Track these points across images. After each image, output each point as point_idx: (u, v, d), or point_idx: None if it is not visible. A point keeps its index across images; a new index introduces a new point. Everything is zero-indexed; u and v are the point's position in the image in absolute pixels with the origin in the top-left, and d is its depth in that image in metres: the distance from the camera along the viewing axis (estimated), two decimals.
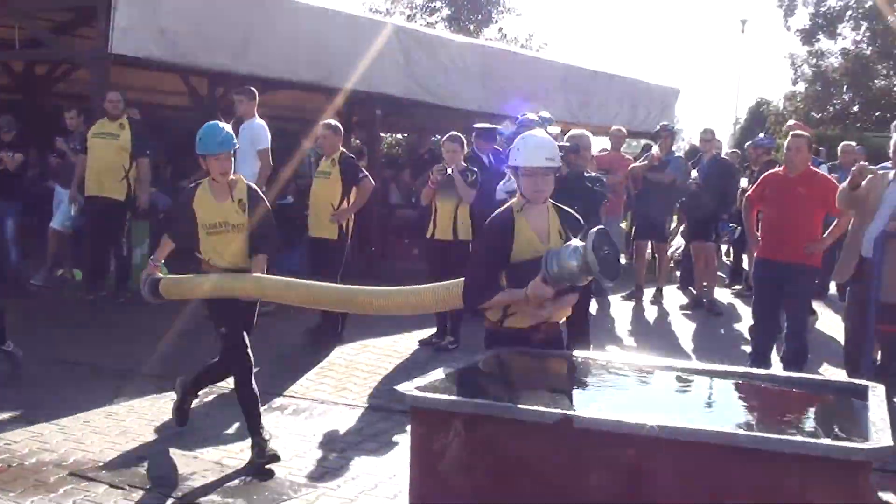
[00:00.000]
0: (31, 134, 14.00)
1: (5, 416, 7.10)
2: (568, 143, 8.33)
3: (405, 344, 10.16)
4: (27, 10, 13.08)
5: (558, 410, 3.81)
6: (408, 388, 4.07)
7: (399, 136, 25.75)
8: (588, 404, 4.45)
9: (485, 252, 5.25)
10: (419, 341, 10.19)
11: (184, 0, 11.96)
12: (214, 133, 6.38)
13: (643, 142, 21.30)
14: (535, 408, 3.87)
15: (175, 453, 6.36)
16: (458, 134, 10.30)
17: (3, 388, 7.81)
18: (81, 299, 11.51)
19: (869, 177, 8.11)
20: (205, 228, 6.44)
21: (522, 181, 5.07)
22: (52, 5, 13.65)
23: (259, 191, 6.69)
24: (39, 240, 12.84)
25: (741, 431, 3.83)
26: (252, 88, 11.44)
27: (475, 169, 10.17)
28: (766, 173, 9.68)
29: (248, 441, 6.49)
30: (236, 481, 5.96)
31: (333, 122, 10.41)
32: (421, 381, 4.21)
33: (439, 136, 14.37)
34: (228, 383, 8.19)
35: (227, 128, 6.51)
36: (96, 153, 11.53)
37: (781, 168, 9.32)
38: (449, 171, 9.88)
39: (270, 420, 7.32)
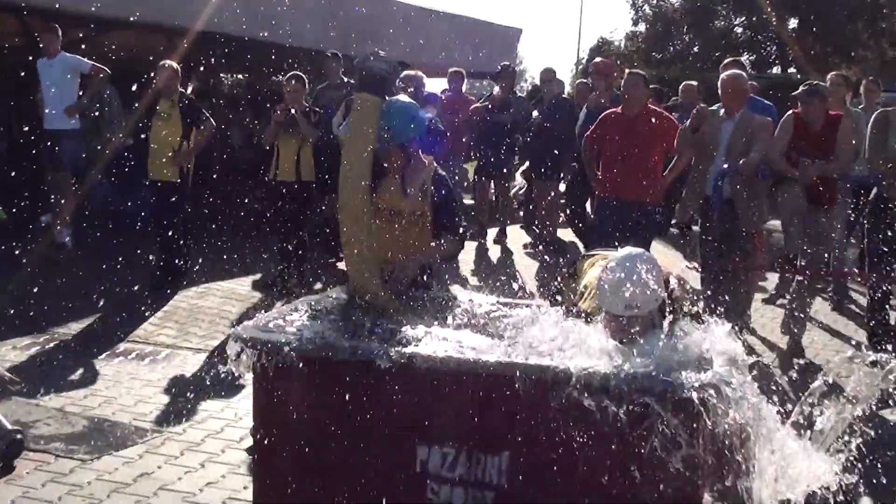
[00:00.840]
0: None
1: None
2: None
3: (247, 287, 10.13)
4: None
5: (395, 349, 3.85)
6: (247, 328, 4.08)
7: (239, 76, 25.32)
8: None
9: None
10: (254, 283, 10.18)
11: None
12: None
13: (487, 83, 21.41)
14: (370, 345, 3.96)
15: (18, 401, 6.24)
16: (300, 73, 10.23)
17: None
18: None
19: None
20: None
21: None
22: None
23: None
24: None
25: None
26: (56, 25, 11.28)
27: (318, 109, 10.12)
28: (604, 112, 9.76)
29: (92, 388, 6.45)
30: (79, 427, 5.90)
31: (171, 62, 10.21)
32: (260, 320, 4.23)
33: (281, 76, 14.21)
34: (70, 329, 8.17)
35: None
36: None
37: (620, 107, 9.39)
38: (292, 111, 9.81)
39: (114, 366, 7.26)
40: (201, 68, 16.68)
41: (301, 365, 3.91)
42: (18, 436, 5.37)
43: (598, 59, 14.16)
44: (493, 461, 3.78)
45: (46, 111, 11.18)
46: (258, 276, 10.30)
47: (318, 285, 9.84)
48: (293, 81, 10.06)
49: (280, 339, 3.98)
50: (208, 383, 6.89)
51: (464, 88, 15.20)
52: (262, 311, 4.59)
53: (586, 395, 3.52)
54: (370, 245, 4.68)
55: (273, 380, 3.97)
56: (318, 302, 4.73)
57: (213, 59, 15.63)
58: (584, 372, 3.54)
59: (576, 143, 12.52)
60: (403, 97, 5.21)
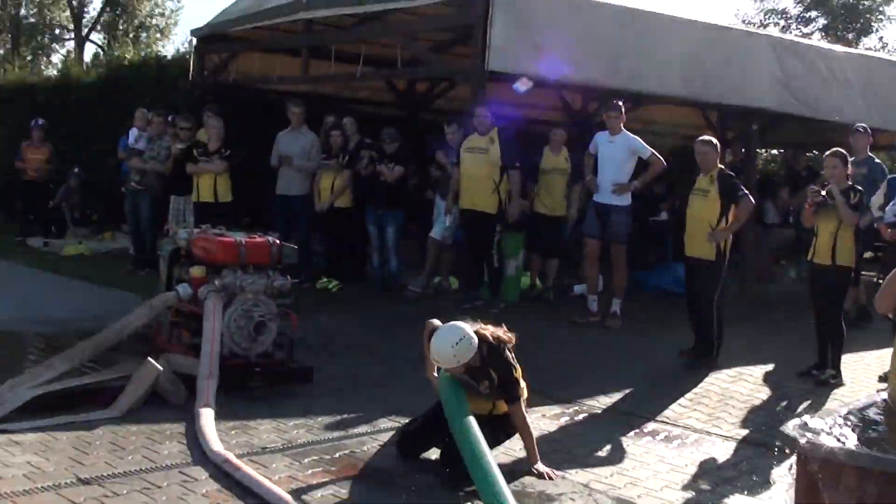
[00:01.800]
0: (412, 148, 14.53)
1: (382, 418, 7.36)
2: None
3: (782, 374, 9.72)
4: (409, 31, 13.60)
5: None
6: (796, 429, 3.78)
7: (774, 151, 24.85)
8: None
9: None
10: (797, 373, 9.67)
11: (557, 18, 12.08)
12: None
13: None
14: None
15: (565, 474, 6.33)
16: (840, 149, 9.71)
17: (348, 389, 8.16)
18: (457, 308, 11.79)
19: None
20: None
21: None
22: (432, 26, 14.09)
23: None
24: (419, 248, 13.31)
25: None
26: (619, 103, 11.47)
27: (859, 188, 9.54)
28: None
29: (619, 466, 6.39)
30: None
31: (710, 137, 10.11)
32: (810, 421, 3.91)
33: (817, 152, 13.76)
34: (599, 402, 8.23)
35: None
36: (467, 167, 11.79)
37: None
38: (827, 190, 9.32)
39: (641, 445, 7.17)
40: (737, 143, 16.51)
41: (856, 475, 3.55)
42: None
43: None
44: None
45: (599, 184, 11.52)
46: (795, 364, 9.84)
47: None
48: (832, 157, 9.48)
49: (832, 445, 3.65)
50: (737, 475, 6.59)
51: None
52: (802, 403, 4.29)
53: None
54: None
55: (818, 487, 3.64)
56: (861, 409, 4.34)
57: (750, 134, 15.38)
58: None
59: None
60: None
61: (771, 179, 20.75)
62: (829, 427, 3.89)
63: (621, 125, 11.48)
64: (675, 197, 15.31)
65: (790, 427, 3.80)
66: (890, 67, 17.08)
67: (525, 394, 6.42)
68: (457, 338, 6.11)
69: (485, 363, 6.21)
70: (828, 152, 9.74)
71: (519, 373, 6.35)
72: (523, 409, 6.37)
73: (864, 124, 12.50)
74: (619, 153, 11.40)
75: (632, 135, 11.62)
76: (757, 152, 19.41)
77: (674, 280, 12.93)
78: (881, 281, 5.93)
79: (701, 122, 17.68)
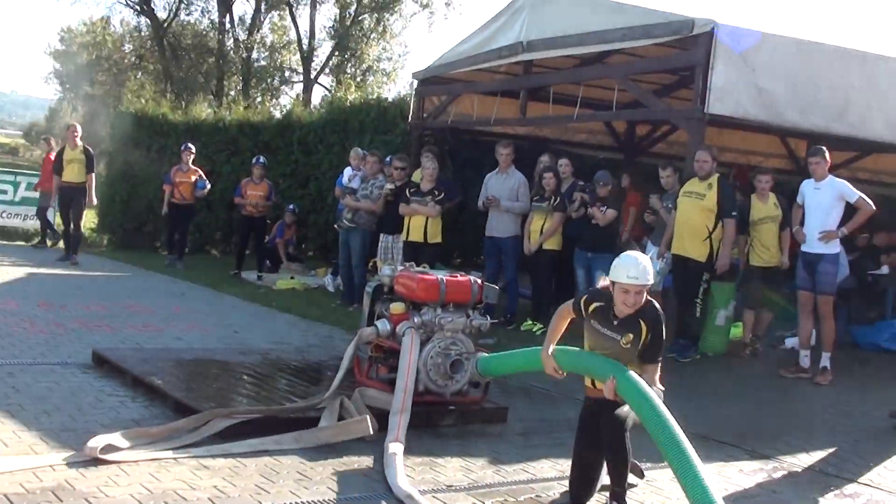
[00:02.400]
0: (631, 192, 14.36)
1: (570, 462, 7.14)
2: None
3: None
4: (629, 73, 13.44)
5: None
6: None
7: None
8: None
9: None
10: None
11: (781, 60, 11.71)
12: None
13: None
14: None
15: None
16: None
17: (541, 432, 8.03)
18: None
19: None
20: None
21: None
22: (652, 68, 13.91)
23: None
24: None
25: None
26: (822, 148, 11.17)
27: None
28: None
29: None
30: None
31: None
32: None
33: None
34: (800, 460, 7.81)
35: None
36: (682, 211, 11.52)
37: None
38: None
39: None
40: None
41: None
42: None
43: None
44: None
45: (806, 233, 11.11)
46: None
47: None
48: None
49: None
50: None
51: None
52: None
53: None
54: None
55: None
56: None
57: None
58: None
59: None
60: None
61: None
62: None
63: (826, 170, 11.10)
64: None
65: None
66: None
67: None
68: (644, 257, 5.90)
69: (638, 313, 5.90)
70: None
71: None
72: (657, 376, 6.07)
73: None
74: (825, 199, 11.02)
75: (839, 179, 11.21)
76: None
77: (892, 337, 12.29)
78: None
79: None
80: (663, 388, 6.17)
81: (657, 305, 5.92)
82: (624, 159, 18.05)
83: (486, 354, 7.98)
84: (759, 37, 11.57)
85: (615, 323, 5.94)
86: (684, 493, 5.44)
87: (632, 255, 5.91)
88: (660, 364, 6.09)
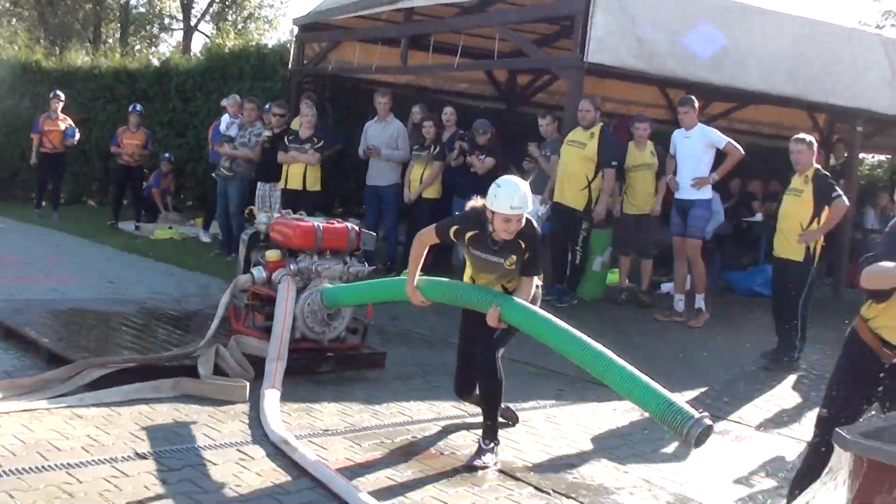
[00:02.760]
0: (509, 141, 14.43)
1: (446, 404, 7.29)
2: None
3: None
4: (511, 23, 13.48)
5: None
6: (851, 433, 3.55)
7: (883, 157, 24.11)
8: None
9: None
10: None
11: (661, 10, 11.88)
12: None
13: None
14: None
15: (606, 465, 6.15)
16: None
17: (418, 376, 8.08)
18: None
19: None
20: None
21: None
22: (533, 17, 13.93)
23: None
24: None
25: None
26: (691, 98, 11.42)
27: None
28: None
29: (682, 463, 6.22)
30: (663, 503, 5.66)
31: (807, 136, 9.82)
32: (866, 425, 3.67)
33: None
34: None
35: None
36: (563, 160, 11.65)
37: None
38: None
39: (710, 442, 6.94)
40: (841, 146, 16.09)
41: None
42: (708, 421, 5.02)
43: None
44: None
45: (679, 180, 11.35)
46: None
47: None
48: None
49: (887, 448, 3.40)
50: (790, 469, 6.35)
51: None
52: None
53: None
54: None
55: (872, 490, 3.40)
56: None
57: (854, 136, 14.96)
58: None
59: None
60: None
61: (875, 185, 20.21)
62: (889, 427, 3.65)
63: (695, 118, 11.40)
64: (771, 198, 15.01)
65: (846, 431, 3.56)
66: None
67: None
68: (524, 184, 5.81)
69: (516, 237, 5.83)
70: None
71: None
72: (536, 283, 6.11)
73: None
74: (695, 147, 11.27)
75: (707, 127, 11.52)
76: (861, 156, 18.99)
77: (765, 282, 12.61)
78: None
79: (808, 123, 17.30)
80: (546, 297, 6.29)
81: (532, 221, 5.94)
82: (505, 109, 18.12)
83: (330, 286, 7.89)
84: None
85: (496, 248, 5.92)
86: (616, 390, 5.53)
87: (512, 183, 5.78)
88: (541, 273, 6.14)
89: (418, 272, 6.37)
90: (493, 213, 5.74)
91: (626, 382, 5.37)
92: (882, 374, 4.45)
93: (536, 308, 5.91)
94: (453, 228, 6.06)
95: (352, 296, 7.79)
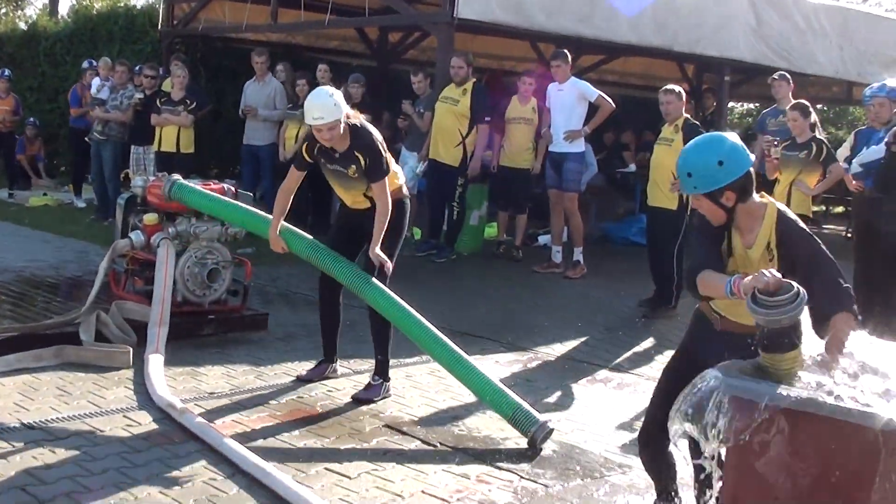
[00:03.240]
0: (383, 99, 14.43)
1: (299, 363, 7.34)
2: None
3: None
4: None
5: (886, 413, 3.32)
6: (726, 373, 3.69)
7: (751, 105, 24.75)
8: None
9: None
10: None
11: None
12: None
13: None
14: (862, 408, 3.37)
15: (491, 416, 6.27)
16: (805, 102, 9.73)
17: (301, 336, 8.09)
18: (413, 255, 11.81)
19: None
20: None
21: None
22: None
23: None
24: None
25: None
26: (564, 51, 11.50)
27: (823, 139, 9.59)
28: None
29: (566, 413, 6.42)
30: (548, 452, 5.80)
31: (676, 87, 10.04)
32: (736, 365, 3.82)
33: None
34: (554, 350, 8.18)
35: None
36: (437, 117, 11.72)
37: None
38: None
39: (591, 393, 7.16)
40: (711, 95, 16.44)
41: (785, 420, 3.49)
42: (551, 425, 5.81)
43: None
44: None
45: (553, 133, 11.49)
46: None
47: None
48: (793, 111, 9.59)
49: (759, 390, 3.56)
50: None
51: None
52: None
53: None
54: None
55: (750, 432, 3.55)
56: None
57: (723, 86, 15.32)
58: None
59: None
60: None
61: (747, 133, 20.70)
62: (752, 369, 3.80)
63: (568, 72, 11.50)
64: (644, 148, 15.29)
65: (718, 370, 3.71)
66: (866, 19, 16.95)
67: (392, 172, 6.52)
68: (328, 92, 6.21)
69: (350, 147, 6.23)
70: (789, 105, 9.86)
71: (386, 158, 6.41)
72: (387, 186, 6.38)
73: (784, 72, 12.30)
74: (568, 100, 11.37)
75: (580, 80, 11.64)
76: (730, 104, 19.42)
77: (641, 231, 12.89)
78: (850, 235, 5.86)
79: (677, 74, 17.62)
80: (407, 197, 6.78)
81: (366, 127, 6.31)
82: (378, 66, 18.07)
83: (183, 181, 7.77)
84: None
85: (337, 156, 6.30)
86: (455, 377, 6.11)
87: (311, 96, 6.27)
88: (388, 176, 6.38)
89: (282, 219, 6.69)
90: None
91: (482, 386, 6.11)
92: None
93: (397, 300, 6.36)
94: (303, 147, 6.46)
95: (204, 203, 7.64)
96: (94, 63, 15.54)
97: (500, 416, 6.01)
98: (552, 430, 5.79)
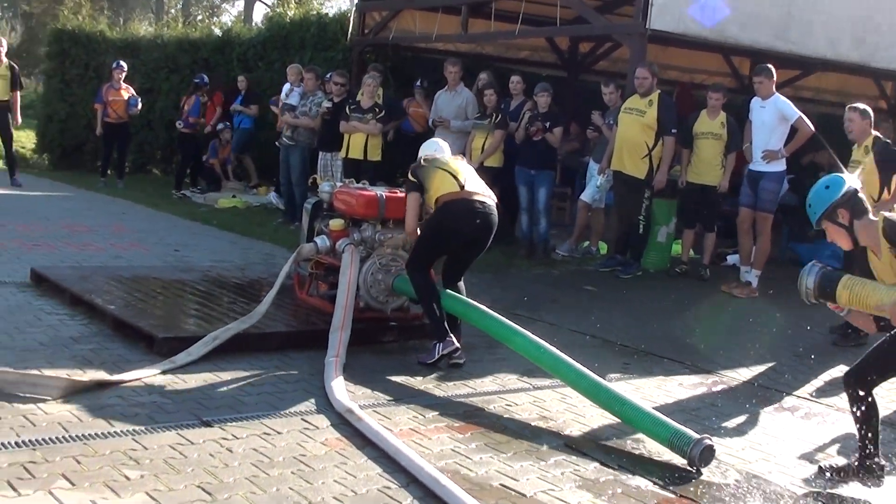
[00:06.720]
0: (572, 109, 14.31)
1: (511, 377, 7.26)
2: None
3: None
4: None
5: None
6: None
7: None
8: None
9: None
10: None
11: None
12: None
13: None
14: None
15: None
16: None
17: (482, 347, 7.94)
18: (597, 270, 11.60)
19: None
20: None
21: None
22: None
23: None
24: (570, 211, 13.13)
25: None
26: (768, 66, 11.11)
27: None
28: None
29: (752, 440, 6.17)
30: (731, 480, 5.57)
31: (860, 105, 9.60)
32: None
33: None
34: (740, 374, 7.91)
35: None
36: (622, 128, 11.53)
37: None
38: None
39: (778, 421, 6.86)
40: None
41: None
42: (708, 441, 5.62)
43: None
44: None
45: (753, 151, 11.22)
46: None
47: None
48: None
49: None
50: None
51: None
52: None
53: None
54: None
55: None
56: None
57: None
58: None
59: None
60: None
61: None
62: None
63: (772, 89, 11.10)
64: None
65: None
66: None
67: None
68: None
69: None
70: None
71: None
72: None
73: None
74: (769, 118, 11.04)
75: (782, 98, 11.20)
76: None
77: (833, 254, 12.37)
78: None
79: (874, 91, 16.99)
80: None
81: None
82: (567, 77, 17.97)
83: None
84: None
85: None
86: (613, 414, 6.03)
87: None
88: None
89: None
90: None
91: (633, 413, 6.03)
92: None
93: (548, 348, 6.65)
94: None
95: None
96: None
97: None
98: (711, 446, 5.58)
